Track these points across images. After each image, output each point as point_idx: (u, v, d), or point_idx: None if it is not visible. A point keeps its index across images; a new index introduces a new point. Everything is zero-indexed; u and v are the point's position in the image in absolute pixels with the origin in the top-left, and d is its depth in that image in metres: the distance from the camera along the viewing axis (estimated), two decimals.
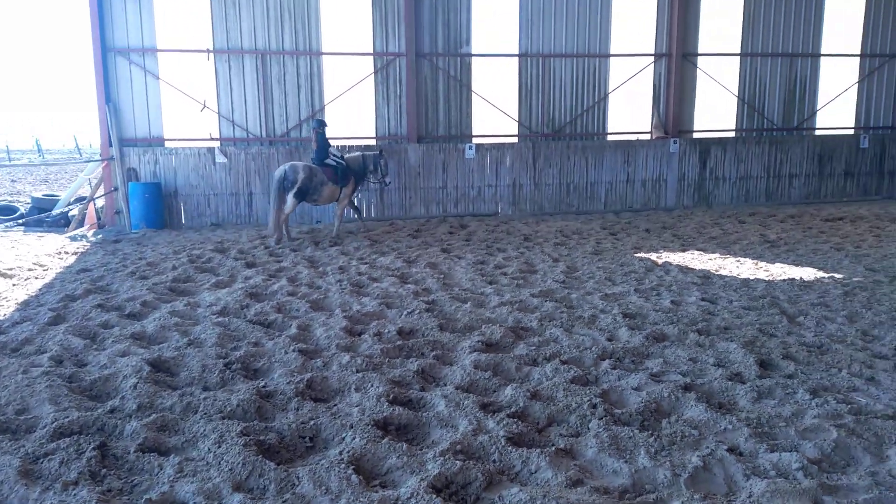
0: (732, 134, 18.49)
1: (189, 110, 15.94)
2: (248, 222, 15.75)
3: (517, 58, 17.05)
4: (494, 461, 3.59)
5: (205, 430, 3.94)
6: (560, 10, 16.99)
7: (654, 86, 17.83)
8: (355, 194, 13.97)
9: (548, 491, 3.18)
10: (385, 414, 4.14)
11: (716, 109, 18.36)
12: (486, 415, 4.17)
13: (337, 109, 16.47)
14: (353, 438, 3.81)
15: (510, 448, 3.67)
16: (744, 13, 18.02)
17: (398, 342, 5.78)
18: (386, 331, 6.16)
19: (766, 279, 8.45)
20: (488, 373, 4.92)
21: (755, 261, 9.87)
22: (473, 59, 16.91)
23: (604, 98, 17.54)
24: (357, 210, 14.25)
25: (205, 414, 4.21)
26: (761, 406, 4.25)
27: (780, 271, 9.00)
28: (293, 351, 5.50)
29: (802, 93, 18.76)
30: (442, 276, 9.07)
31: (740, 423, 3.94)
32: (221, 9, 15.48)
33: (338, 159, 13.29)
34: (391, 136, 16.62)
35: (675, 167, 17.67)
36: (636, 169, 17.38)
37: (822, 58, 18.67)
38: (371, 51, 16.40)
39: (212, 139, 16.10)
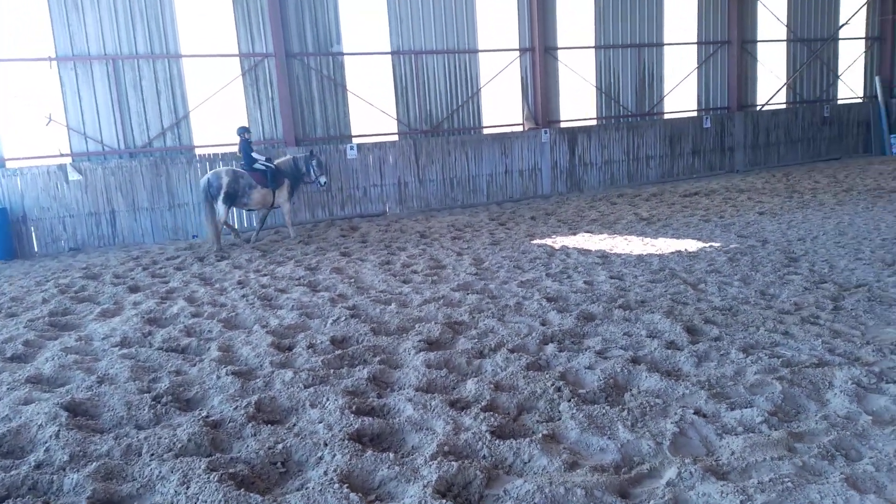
0: (594, 122, 19.67)
1: (33, 125, 14.31)
2: (112, 244, 14.44)
3: (390, 55, 16.99)
4: (485, 456, 3.56)
5: (161, 472, 3.55)
6: (427, 8, 17.15)
7: (522, 79, 18.53)
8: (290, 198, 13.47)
9: (550, 478, 3.20)
10: (356, 426, 3.96)
11: (578, 100, 19.44)
12: (458, 412, 4.12)
13: (205, 115, 15.53)
14: (334, 456, 3.60)
15: (497, 441, 3.65)
16: (594, 8, 19.19)
17: (336, 352, 5.56)
18: (318, 342, 5.90)
19: (658, 253, 9.08)
20: (443, 370, 4.86)
21: (640, 237, 10.58)
22: (346, 57, 16.64)
23: (476, 93, 17.96)
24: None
25: (153, 454, 3.79)
26: (704, 369, 4.57)
27: (666, 245, 9.72)
28: (226, 374, 5.11)
29: (651, 80, 20.34)
30: (352, 280, 8.85)
31: (694, 388, 4.20)
32: (62, 12, 14.01)
33: (264, 163, 12.97)
34: (266, 140, 15.95)
35: (548, 156, 18.49)
36: (513, 160, 17.98)
37: (665, 47, 20.34)
38: (236, 52, 15.61)
39: (62, 155, 14.58)
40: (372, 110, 16.93)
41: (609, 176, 19.55)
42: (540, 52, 18.27)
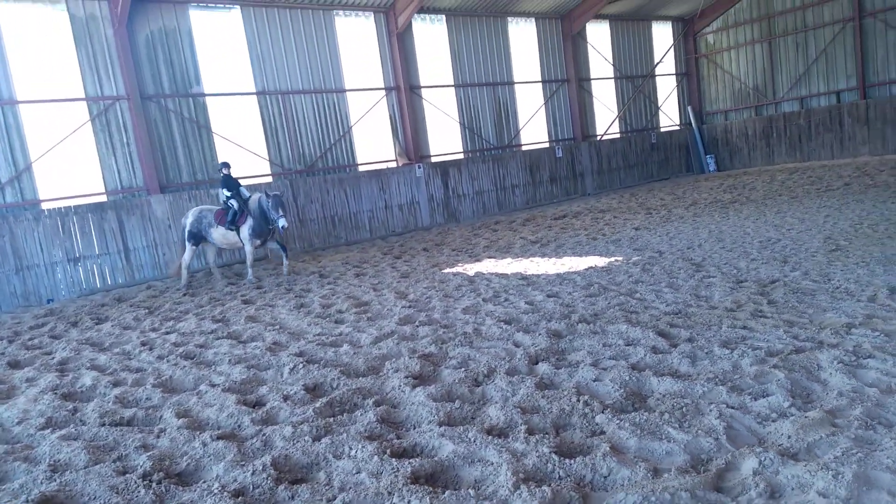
0: (462, 156, 20.40)
1: None
2: None
3: (255, 96, 16.43)
4: (562, 477, 3.50)
5: None
6: (290, 48, 16.88)
7: (391, 117, 18.77)
8: (267, 237, 12.31)
9: (652, 486, 3.22)
10: (408, 469, 3.71)
11: (445, 135, 20.07)
12: (503, 440, 4.01)
13: (51, 166, 13.89)
14: (408, 502, 3.34)
15: (566, 461, 3.61)
16: (450, 49, 20.06)
17: (319, 400, 5.18)
18: (291, 392, 5.46)
19: (573, 271, 9.56)
20: (455, 402, 4.72)
21: (544, 258, 11.07)
22: (208, 98, 15.81)
23: (348, 131, 17.87)
24: (283, 248, 12.64)
25: None
26: (702, 367, 4.87)
27: (574, 263, 10.26)
28: (210, 440, 4.54)
29: (507, 115, 21.57)
30: (277, 327, 8.31)
31: (709, 385, 4.47)
32: None
33: (227, 202, 12.03)
34: (125, 189, 14.61)
35: (424, 190, 18.81)
36: (391, 195, 18.05)
37: (515, 85, 21.72)
38: (83, 95, 14.22)
39: None
40: (242, 152, 16.17)
41: (481, 205, 20.29)
42: (405, 90, 18.66)
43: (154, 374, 6.69)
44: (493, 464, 3.73)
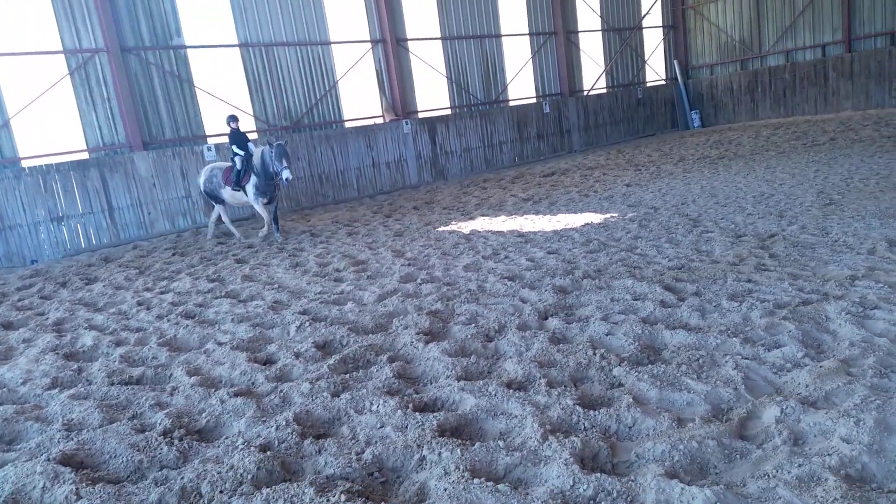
0: (449, 111, 20.13)
1: None
2: None
3: (238, 48, 15.96)
4: (586, 428, 3.56)
5: None
6: None
7: (377, 71, 18.39)
8: (274, 194, 11.61)
9: (678, 435, 3.29)
10: (434, 422, 3.75)
11: (432, 90, 19.75)
12: (524, 393, 4.06)
13: (30, 122, 13.46)
14: (438, 454, 3.38)
15: (590, 412, 3.67)
16: (436, 1, 19.57)
17: (333, 357, 5.18)
18: (302, 349, 5.45)
19: (570, 228, 9.59)
20: (471, 357, 4.75)
21: (538, 216, 11.07)
22: (190, 51, 15.33)
23: (334, 86, 17.51)
24: (276, 220, 11.92)
25: (223, 492, 3.28)
26: (712, 320, 4.95)
27: (570, 220, 10.28)
28: (228, 396, 4.55)
29: (495, 70, 21.25)
30: (275, 286, 8.26)
31: (722, 337, 4.54)
32: None
33: (235, 158, 11.50)
34: (107, 145, 14.24)
35: (412, 147, 18.59)
36: (378, 152, 17.83)
37: (503, 38, 21.34)
38: (60, 48, 13.69)
39: None
40: (225, 107, 15.78)
41: (469, 163, 20.15)
42: (392, 43, 18.25)
43: (156, 333, 6.64)
44: (517, 416, 3.78)
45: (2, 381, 5.56)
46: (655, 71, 26.90)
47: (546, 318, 5.52)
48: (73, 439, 4.12)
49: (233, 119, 11.68)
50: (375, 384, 4.51)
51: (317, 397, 4.39)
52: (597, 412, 3.66)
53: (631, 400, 3.72)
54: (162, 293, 8.66)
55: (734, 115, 26.14)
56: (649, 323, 5.02)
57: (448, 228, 11.01)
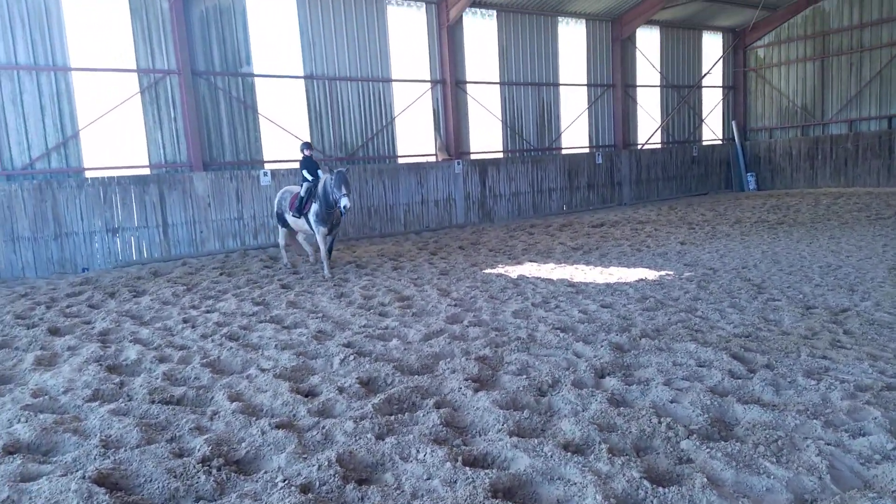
0: (501, 155, 20.13)
1: None
2: None
3: (303, 80, 16.31)
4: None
5: None
6: (341, 33, 16.73)
7: (434, 110, 18.56)
8: (334, 223, 11.22)
9: None
10: (486, 481, 3.50)
11: (486, 133, 19.82)
12: (582, 457, 3.78)
13: (97, 136, 13.91)
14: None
15: (658, 488, 3.38)
16: (498, 47, 19.79)
17: (378, 396, 4.98)
18: (346, 384, 5.28)
19: (623, 282, 9.28)
20: (524, 412, 4.49)
21: (589, 266, 10.79)
22: (257, 79, 15.73)
23: (391, 122, 17.71)
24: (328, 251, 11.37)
25: None
26: (787, 397, 4.59)
27: (622, 274, 9.97)
28: (269, 428, 4.38)
29: (550, 117, 21.25)
30: (319, 315, 8.15)
31: (800, 416, 4.19)
32: None
33: (303, 185, 11.35)
34: (168, 164, 14.58)
35: (461, 187, 18.59)
36: (428, 190, 17.85)
37: (560, 87, 21.38)
38: (134, 67, 14.19)
39: None
40: (284, 135, 16.08)
41: (517, 207, 20.02)
42: (451, 84, 18.45)
43: (200, 352, 6.56)
44: (576, 484, 3.50)
45: (44, 389, 5.52)
46: (712, 130, 26.57)
47: (603, 377, 5.24)
48: (109, 457, 4.00)
49: (307, 146, 11.70)
50: (422, 430, 4.28)
51: (360, 438, 4.19)
52: (667, 490, 3.36)
53: (705, 480, 3.40)
54: (207, 312, 8.64)
55: (792, 180, 25.51)
56: (718, 394, 4.69)
57: (495, 271, 10.81)
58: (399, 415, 4.62)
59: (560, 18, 21.05)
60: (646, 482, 3.41)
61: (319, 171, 11.54)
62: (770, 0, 23.75)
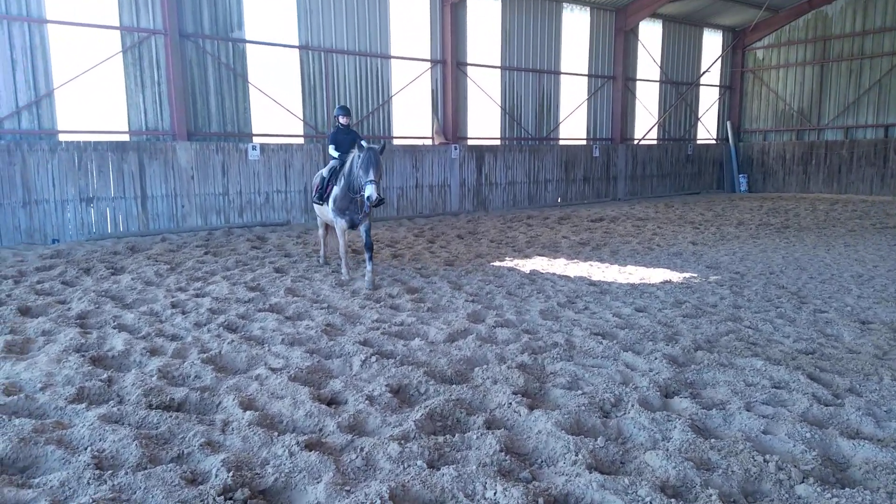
0: (499, 142, 19.43)
1: None
2: None
3: (298, 50, 15.35)
4: None
5: None
6: (339, 3, 15.79)
7: (433, 91, 17.76)
8: (358, 215, 8.72)
9: None
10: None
11: (484, 118, 19.08)
12: (680, 502, 3.15)
13: (74, 96, 12.82)
14: None
15: None
16: (501, 30, 19.02)
17: (418, 410, 4.27)
18: (374, 393, 4.56)
19: (647, 282, 8.69)
20: (598, 440, 3.83)
21: (605, 264, 10.19)
22: (248, 46, 14.73)
23: (388, 101, 16.86)
24: (369, 247, 8.69)
25: None
26: (893, 430, 4.03)
27: (643, 274, 9.39)
28: (298, 448, 3.64)
29: (549, 106, 20.60)
30: (325, 306, 7.40)
31: None
32: None
33: (330, 165, 9.15)
34: (150, 131, 13.55)
35: (457, 173, 17.86)
36: (423, 174, 17.10)
37: (561, 75, 20.72)
38: (117, 24, 13.11)
39: None
40: (276, 108, 15.14)
41: (512, 196, 19.38)
42: (451, 66, 17.66)
43: (196, 345, 5.78)
44: None
45: (18, 384, 4.69)
46: (707, 129, 26.23)
47: (669, 396, 4.61)
48: (106, 482, 3.24)
49: (343, 111, 9.28)
50: (480, 457, 3.60)
51: (410, 466, 3.49)
52: None
53: None
54: (198, 296, 7.82)
55: (783, 184, 25.33)
56: (812, 423, 4.10)
57: (504, 264, 10.15)
58: (447, 435, 3.93)
59: (565, 5, 20.36)
60: None
61: (331, 148, 9.25)
62: (773, 1, 23.37)
